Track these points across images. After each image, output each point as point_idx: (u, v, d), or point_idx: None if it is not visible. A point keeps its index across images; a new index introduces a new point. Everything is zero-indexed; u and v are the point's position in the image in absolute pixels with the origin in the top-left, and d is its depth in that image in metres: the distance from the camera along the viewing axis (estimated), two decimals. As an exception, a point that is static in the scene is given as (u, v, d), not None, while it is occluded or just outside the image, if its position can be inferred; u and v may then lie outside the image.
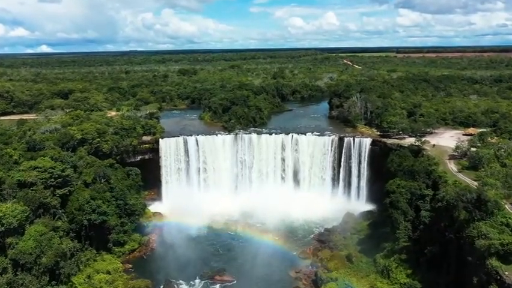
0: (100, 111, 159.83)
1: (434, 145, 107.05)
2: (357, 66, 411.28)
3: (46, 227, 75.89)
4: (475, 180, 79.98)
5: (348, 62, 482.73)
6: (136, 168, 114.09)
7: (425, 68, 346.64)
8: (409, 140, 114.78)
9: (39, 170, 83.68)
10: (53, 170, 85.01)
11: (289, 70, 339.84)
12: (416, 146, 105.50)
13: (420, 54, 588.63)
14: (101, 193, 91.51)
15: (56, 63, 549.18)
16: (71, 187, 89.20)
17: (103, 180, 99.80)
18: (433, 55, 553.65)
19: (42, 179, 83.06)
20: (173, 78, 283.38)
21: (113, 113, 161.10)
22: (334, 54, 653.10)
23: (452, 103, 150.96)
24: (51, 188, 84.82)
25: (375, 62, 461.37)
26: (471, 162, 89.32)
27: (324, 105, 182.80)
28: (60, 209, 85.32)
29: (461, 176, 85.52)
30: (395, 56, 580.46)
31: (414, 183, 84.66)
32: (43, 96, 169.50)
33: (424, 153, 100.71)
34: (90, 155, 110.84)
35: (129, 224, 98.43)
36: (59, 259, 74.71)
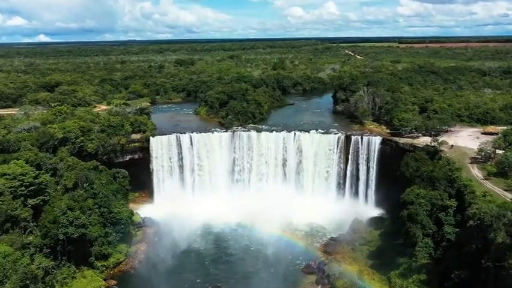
0: (89, 105, 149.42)
1: (452, 146, 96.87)
2: (359, 57, 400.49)
3: (13, 245, 66.12)
4: (506, 191, 70.00)
5: (350, 53, 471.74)
6: (124, 170, 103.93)
7: (429, 59, 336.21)
8: (423, 140, 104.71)
9: (8, 177, 73.37)
10: (23, 177, 74.71)
11: (290, 60, 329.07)
12: (432, 146, 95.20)
13: (423, 45, 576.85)
14: (80, 202, 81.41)
15: (51, 53, 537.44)
16: (46, 196, 79.01)
17: (85, 185, 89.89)
18: (437, 45, 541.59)
19: (10, 187, 72.94)
20: (169, 69, 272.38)
21: (103, 107, 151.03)
22: (335, 44, 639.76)
23: (465, 98, 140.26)
24: (22, 198, 74.61)
25: (377, 53, 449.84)
26: (499, 168, 79.15)
27: (328, 99, 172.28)
28: (33, 222, 75.30)
29: (489, 184, 75.50)
30: (398, 47, 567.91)
31: (434, 192, 74.51)
32: (28, 89, 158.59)
33: (442, 155, 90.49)
34: (73, 156, 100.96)
35: (114, 234, 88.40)
36: (28, 282, 64.67)
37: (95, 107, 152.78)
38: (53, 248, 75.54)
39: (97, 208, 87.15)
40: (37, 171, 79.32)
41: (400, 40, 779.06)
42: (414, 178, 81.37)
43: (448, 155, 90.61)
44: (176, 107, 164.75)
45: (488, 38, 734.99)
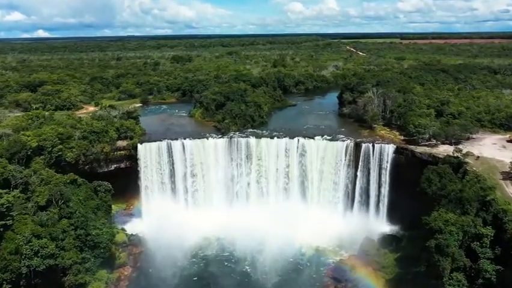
0: (74, 106, 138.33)
1: (478, 157, 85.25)
2: (361, 53, 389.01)
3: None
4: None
5: (352, 49, 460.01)
6: (106, 183, 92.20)
7: (434, 56, 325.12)
8: (443, 149, 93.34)
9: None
10: (-21, 200, 63.37)
11: (291, 57, 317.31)
12: (455, 157, 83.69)
13: (427, 41, 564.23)
14: (50, 226, 69.88)
15: (47, 49, 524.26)
16: (9, 220, 67.55)
17: (60, 203, 78.54)
18: (441, 42, 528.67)
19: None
20: (165, 66, 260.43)
21: (91, 108, 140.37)
22: (336, 40, 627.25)
23: (483, 99, 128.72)
24: (-23, 224, 63.38)
25: (380, 49, 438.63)
26: (541, 188, 67.90)
27: (332, 99, 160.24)
28: (-9, 252, 63.94)
29: (530, 208, 64.01)
30: (400, 43, 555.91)
31: (466, 218, 63.16)
32: (9, 89, 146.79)
33: (468, 168, 79.11)
34: (50, 167, 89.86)
35: (92, 259, 77.01)
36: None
37: (81, 108, 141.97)
38: (15, 284, 64.10)
39: (72, 230, 75.74)
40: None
41: (402, 36, 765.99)
42: (440, 198, 69.84)
43: (474, 168, 79.23)
44: (169, 107, 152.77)
45: (491, 34, 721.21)
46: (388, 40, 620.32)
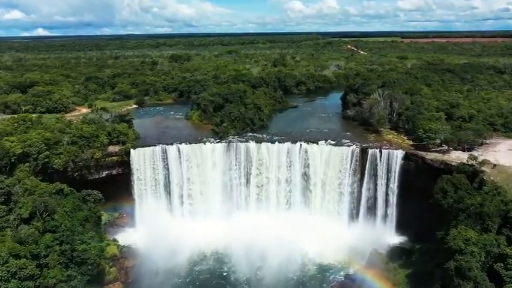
0: (66, 108, 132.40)
1: (494, 165, 79.25)
2: (362, 52, 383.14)
3: None
4: None
5: (353, 48, 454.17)
6: (96, 192, 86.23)
7: (437, 55, 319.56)
8: (456, 156, 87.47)
9: None
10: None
11: (291, 56, 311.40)
12: (469, 165, 77.80)
13: (428, 40, 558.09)
14: (31, 243, 64.00)
15: (44, 47, 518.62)
16: (-16, 237, 61.75)
17: (44, 215, 72.71)
18: (443, 40, 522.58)
19: None
20: (163, 65, 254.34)
21: (84, 110, 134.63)
22: (337, 39, 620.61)
23: (494, 101, 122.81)
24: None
25: (381, 48, 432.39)
26: None
27: (334, 100, 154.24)
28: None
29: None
30: (402, 41, 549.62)
31: (488, 236, 57.24)
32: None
33: (485, 178, 73.20)
34: (36, 175, 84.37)
35: (79, 276, 70.96)
36: None
37: (74, 110, 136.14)
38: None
39: (57, 245, 69.87)
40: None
41: (403, 35, 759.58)
42: (457, 212, 63.89)
43: (492, 178, 73.37)
44: (166, 109, 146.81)
45: (493, 33, 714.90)
46: (389, 39, 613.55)
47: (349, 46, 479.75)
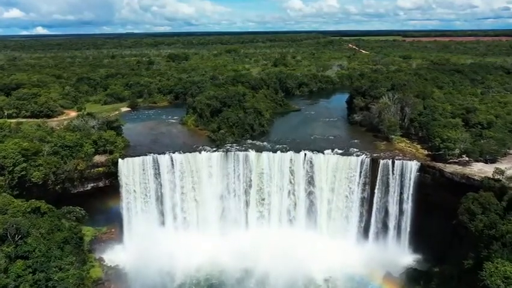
0: (53, 112, 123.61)
1: (524, 181, 70.63)
2: (364, 51, 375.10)
3: None
4: None
5: (354, 47, 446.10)
6: (78, 209, 77.92)
7: (441, 54, 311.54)
8: (477, 168, 78.90)
9: None
10: None
11: (292, 55, 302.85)
12: (495, 181, 69.24)
13: (431, 38, 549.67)
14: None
15: (40, 46, 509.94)
16: None
17: (16, 238, 64.15)
18: (445, 39, 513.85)
19: None
20: (159, 65, 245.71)
21: (73, 114, 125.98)
22: (338, 38, 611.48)
23: (511, 105, 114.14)
24: None
25: (383, 47, 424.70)
26: None
27: (339, 102, 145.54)
28: None
29: None
30: (404, 40, 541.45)
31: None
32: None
33: (514, 195, 64.64)
34: (12, 189, 75.96)
35: (55, 309, 62.50)
36: None
37: (62, 113, 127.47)
38: None
39: (29, 274, 61.35)
40: None
41: (405, 34, 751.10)
42: (490, 240, 55.27)
43: (523, 196, 64.78)
44: (160, 112, 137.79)
45: (496, 32, 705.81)
46: (390, 38, 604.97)
47: (350, 45, 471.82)
